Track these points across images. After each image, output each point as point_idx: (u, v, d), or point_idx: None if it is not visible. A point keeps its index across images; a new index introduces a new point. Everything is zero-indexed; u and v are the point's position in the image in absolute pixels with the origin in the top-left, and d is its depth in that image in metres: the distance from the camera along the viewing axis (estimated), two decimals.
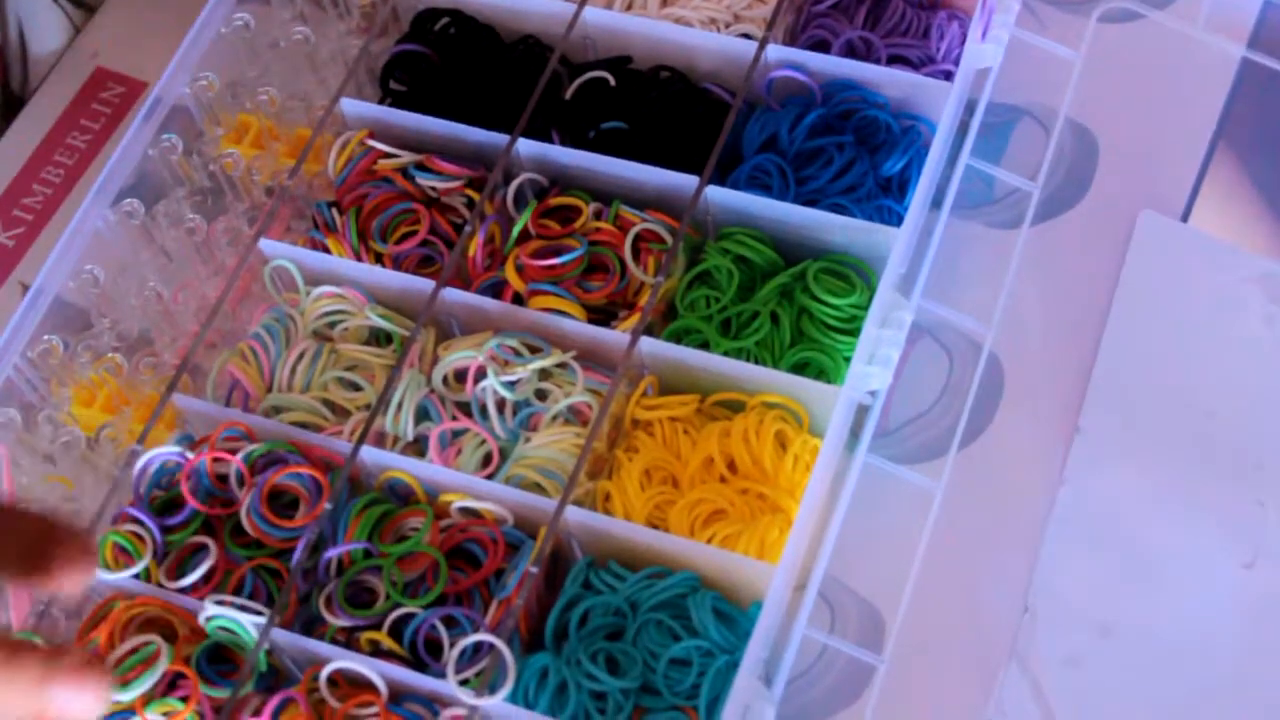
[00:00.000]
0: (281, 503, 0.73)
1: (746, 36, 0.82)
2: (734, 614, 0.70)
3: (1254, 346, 0.81)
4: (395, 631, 0.70)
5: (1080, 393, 0.80)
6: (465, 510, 0.72)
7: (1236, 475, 0.78)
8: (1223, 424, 0.79)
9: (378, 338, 0.78)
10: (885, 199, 0.79)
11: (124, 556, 0.71)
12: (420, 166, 0.80)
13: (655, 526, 0.72)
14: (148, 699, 0.68)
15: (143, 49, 0.94)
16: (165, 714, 0.68)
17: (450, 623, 0.69)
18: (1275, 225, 0.84)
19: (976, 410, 0.80)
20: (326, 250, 0.79)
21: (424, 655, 0.69)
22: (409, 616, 0.70)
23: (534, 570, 0.69)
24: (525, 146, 0.80)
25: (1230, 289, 0.83)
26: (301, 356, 0.76)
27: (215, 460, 0.73)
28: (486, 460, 0.74)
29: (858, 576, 0.76)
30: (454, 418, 0.74)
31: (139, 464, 0.73)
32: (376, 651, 0.69)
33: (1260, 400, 0.80)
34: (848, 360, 0.74)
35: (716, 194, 0.77)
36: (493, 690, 0.67)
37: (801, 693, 0.74)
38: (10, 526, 0.56)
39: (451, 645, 0.68)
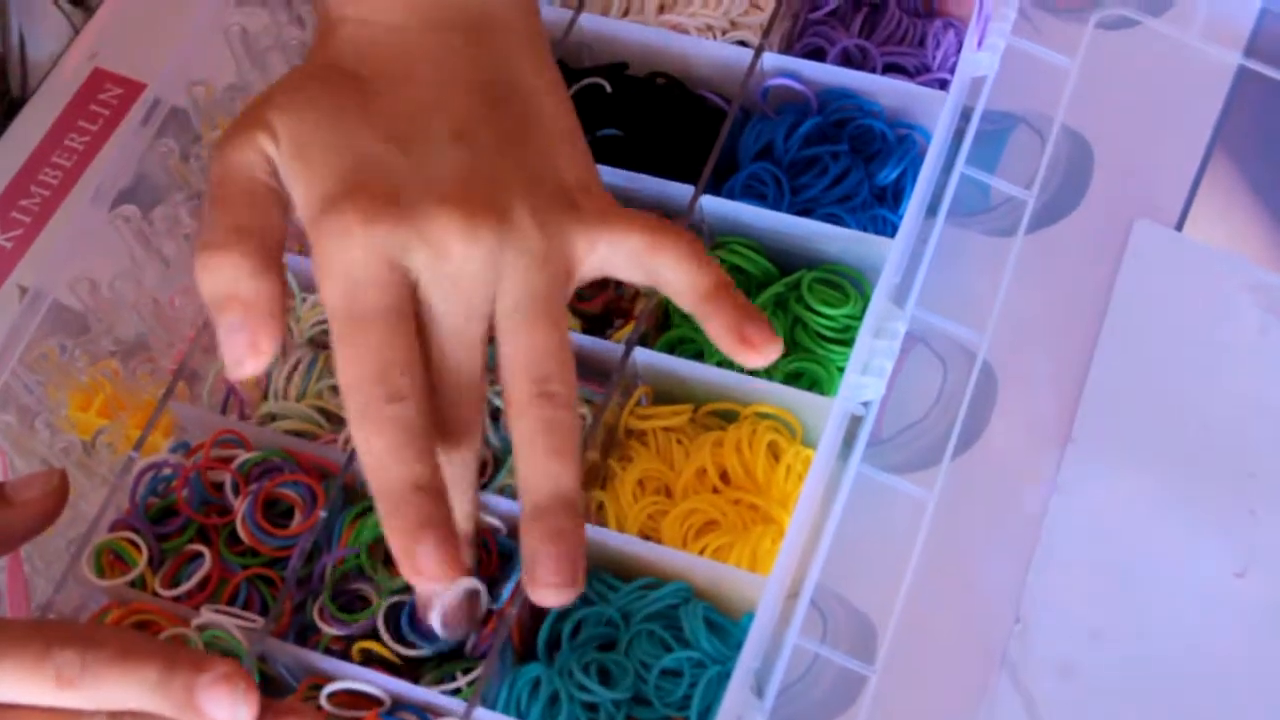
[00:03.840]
0: (276, 511, 0.73)
1: (742, 44, 0.83)
2: (726, 625, 0.70)
3: (1248, 356, 0.81)
4: (390, 621, 0.70)
5: (1074, 402, 0.80)
6: None
7: (1229, 484, 0.78)
8: (1216, 433, 0.80)
9: None
10: (880, 208, 0.79)
11: (119, 564, 0.72)
12: None
13: (648, 537, 0.72)
14: None
15: (141, 51, 0.94)
16: None
17: None
18: (1271, 234, 0.85)
19: (970, 419, 0.80)
20: None
21: (417, 640, 0.70)
22: (400, 605, 0.70)
23: None
24: None
25: (1225, 298, 0.83)
26: (297, 365, 0.76)
27: (210, 468, 0.73)
28: (480, 469, 0.74)
29: (850, 586, 0.76)
30: None
31: (134, 471, 0.74)
32: (369, 660, 0.70)
33: (1254, 410, 0.80)
34: (841, 370, 0.74)
35: (711, 203, 0.77)
36: (485, 701, 0.67)
37: (793, 702, 0.74)
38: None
39: None
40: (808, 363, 0.75)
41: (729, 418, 0.75)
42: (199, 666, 0.57)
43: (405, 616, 0.70)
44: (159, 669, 0.56)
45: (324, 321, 0.78)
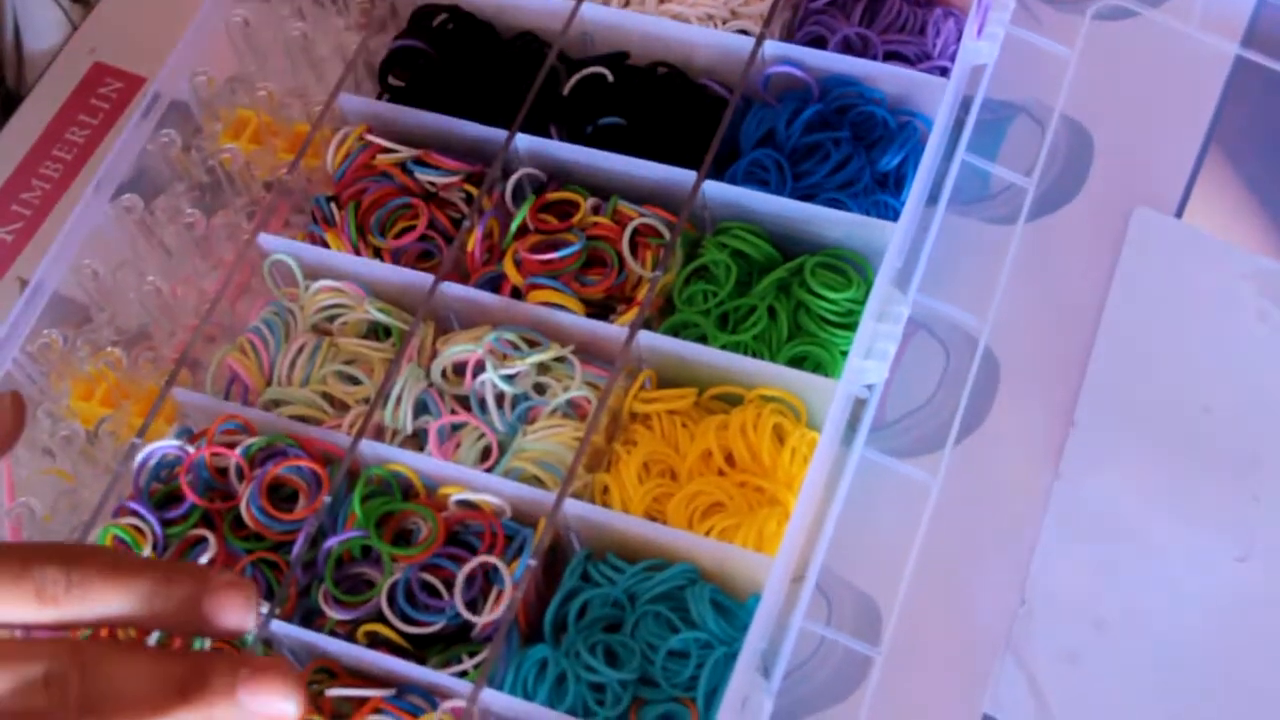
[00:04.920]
0: (281, 496, 0.73)
1: (744, 32, 0.83)
2: (732, 606, 0.70)
3: (1248, 342, 0.82)
4: (394, 601, 0.70)
5: (1075, 387, 0.81)
6: (464, 503, 0.72)
7: (1231, 470, 0.79)
8: (1217, 419, 0.80)
9: (377, 332, 0.78)
10: (881, 194, 0.79)
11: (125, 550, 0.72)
12: (419, 161, 0.80)
13: (653, 519, 0.72)
14: None
15: (141, 45, 0.95)
16: None
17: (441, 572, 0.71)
18: (1269, 222, 0.85)
19: (972, 404, 0.80)
20: (325, 245, 0.79)
21: (421, 614, 0.70)
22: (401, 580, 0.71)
23: (533, 563, 0.69)
24: (523, 142, 0.80)
25: (1224, 285, 0.83)
26: (301, 350, 0.76)
27: (214, 454, 0.73)
28: (485, 454, 0.74)
29: (855, 569, 0.76)
30: (453, 411, 0.75)
31: (138, 458, 0.74)
32: (375, 643, 0.69)
33: (1254, 395, 0.80)
34: (845, 354, 0.74)
35: (714, 189, 0.78)
36: (491, 682, 0.67)
37: (799, 684, 0.74)
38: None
39: (449, 588, 0.70)
40: (811, 346, 0.75)
41: (733, 401, 0.75)
42: (201, 575, 0.55)
43: (402, 592, 0.70)
44: (154, 579, 0.54)
45: (328, 308, 0.78)
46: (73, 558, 0.54)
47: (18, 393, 0.61)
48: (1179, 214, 0.85)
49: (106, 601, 0.54)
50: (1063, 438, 0.79)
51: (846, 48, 0.83)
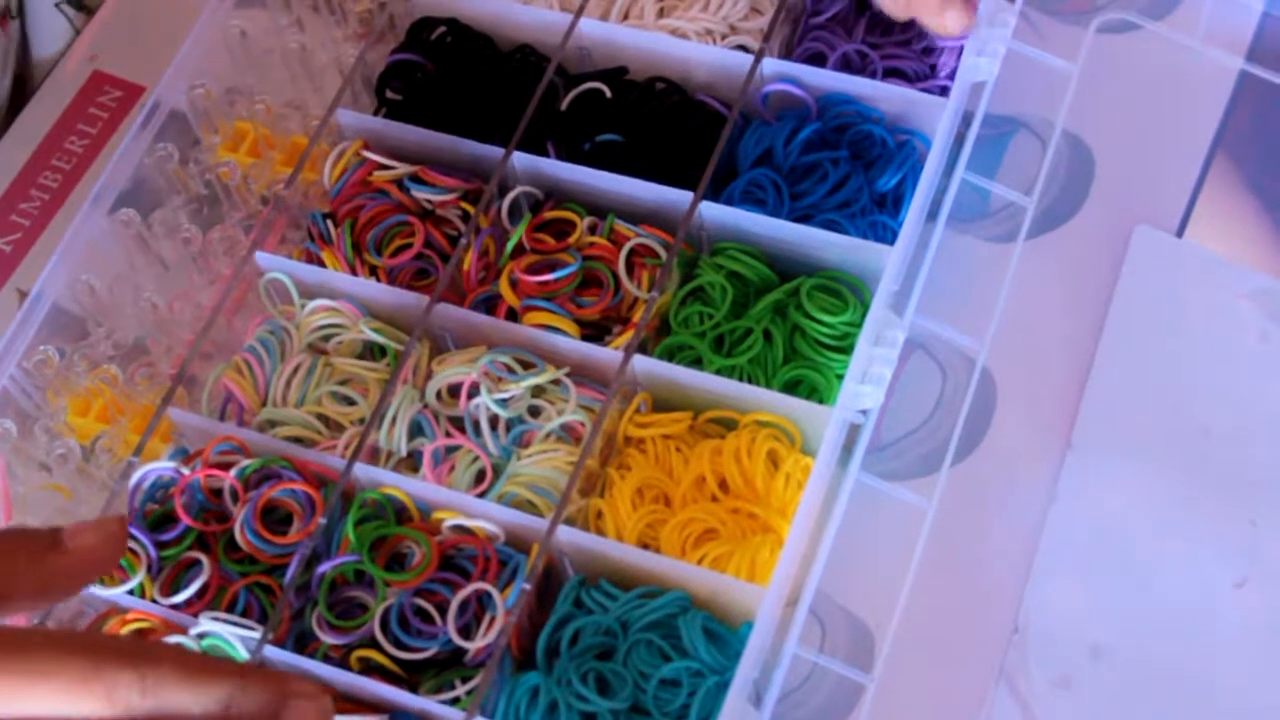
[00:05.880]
0: (275, 518, 0.73)
1: (742, 49, 0.82)
2: (724, 634, 0.70)
3: (1249, 363, 0.81)
4: (386, 624, 0.70)
5: (1074, 409, 0.80)
6: (458, 528, 0.72)
7: (1229, 493, 0.78)
8: (1216, 441, 0.79)
9: (372, 351, 0.78)
10: (880, 214, 0.79)
11: (119, 572, 0.72)
12: (415, 178, 0.80)
13: (647, 545, 0.72)
14: None
15: (140, 53, 0.94)
16: None
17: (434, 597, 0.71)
18: (1272, 241, 0.84)
19: (969, 426, 0.80)
20: (321, 262, 0.79)
21: (414, 640, 0.70)
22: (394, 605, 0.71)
23: (527, 588, 0.69)
24: (520, 159, 0.80)
25: (1226, 305, 0.83)
26: (296, 370, 0.76)
27: (209, 475, 0.73)
28: (479, 477, 0.74)
29: (849, 594, 0.76)
30: (447, 434, 0.75)
31: (133, 479, 0.74)
32: (368, 669, 0.70)
33: (1254, 418, 0.80)
34: (840, 378, 0.74)
35: (711, 209, 0.77)
36: (483, 710, 0.67)
37: (791, 711, 0.74)
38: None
39: (443, 614, 0.70)
40: (806, 370, 0.75)
41: (729, 425, 0.75)
42: (279, 682, 0.54)
43: (395, 617, 0.70)
44: (231, 685, 0.53)
45: (323, 328, 0.78)
46: (146, 659, 0.52)
47: (123, 519, 0.61)
48: (1180, 232, 0.85)
49: (180, 706, 0.52)
50: (1060, 460, 0.79)
51: (846, 65, 0.82)
